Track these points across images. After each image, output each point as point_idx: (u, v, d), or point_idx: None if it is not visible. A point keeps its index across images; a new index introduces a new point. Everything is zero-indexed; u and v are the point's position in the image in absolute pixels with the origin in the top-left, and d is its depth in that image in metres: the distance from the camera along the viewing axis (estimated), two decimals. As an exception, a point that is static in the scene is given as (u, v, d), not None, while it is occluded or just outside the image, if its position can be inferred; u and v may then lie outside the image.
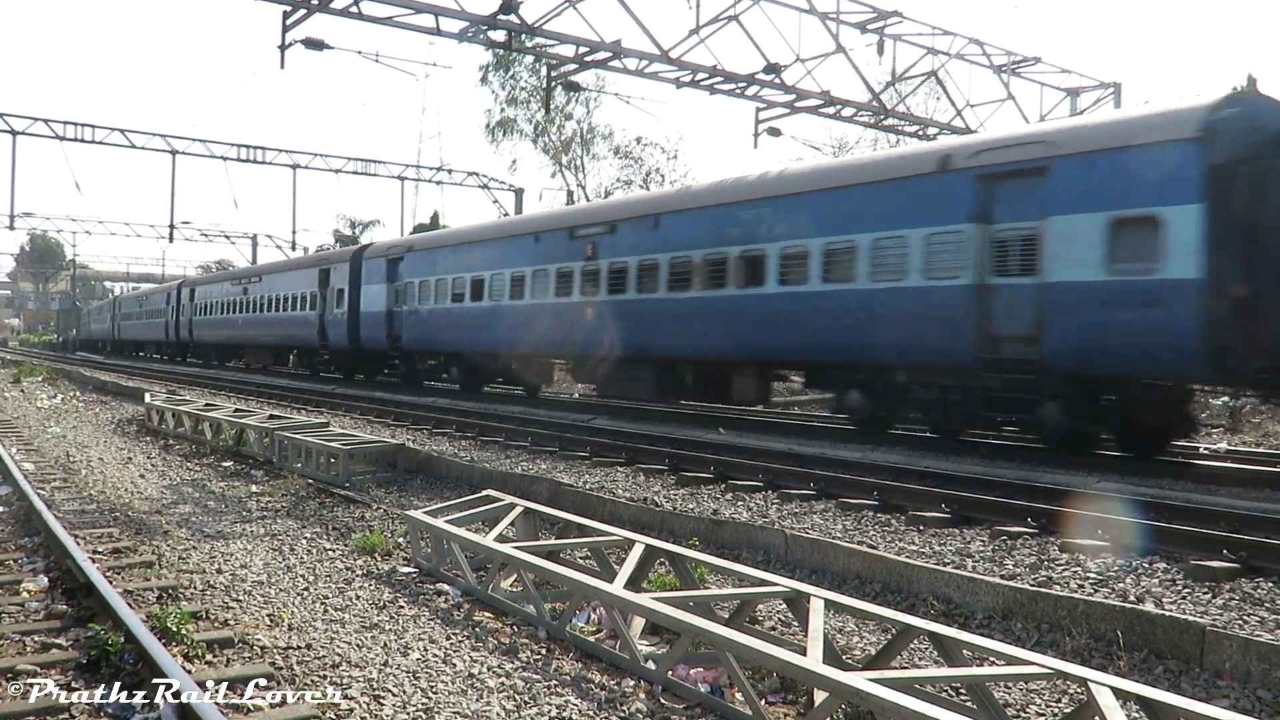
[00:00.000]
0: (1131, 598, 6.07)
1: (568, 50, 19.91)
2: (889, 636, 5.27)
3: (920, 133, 26.52)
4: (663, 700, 4.76)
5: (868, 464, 11.12)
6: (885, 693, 3.93)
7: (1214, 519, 7.96)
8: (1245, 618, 5.65)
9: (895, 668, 4.97)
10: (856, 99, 23.75)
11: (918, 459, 11.55)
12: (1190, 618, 5.37)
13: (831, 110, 23.45)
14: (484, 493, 8.39)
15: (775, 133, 24.92)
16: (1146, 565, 6.75)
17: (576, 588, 5.77)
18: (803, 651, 4.64)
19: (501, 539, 6.78)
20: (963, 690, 4.74)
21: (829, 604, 5.24)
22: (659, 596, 5.51)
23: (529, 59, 38.22)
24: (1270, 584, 6.28)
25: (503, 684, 4.89)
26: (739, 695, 4.66)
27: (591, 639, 5.58)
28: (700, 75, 20.76)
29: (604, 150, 44.78)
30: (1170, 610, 5.73)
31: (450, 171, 44.20)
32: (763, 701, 4.65)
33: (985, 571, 6.69)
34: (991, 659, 4.65)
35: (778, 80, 21.50)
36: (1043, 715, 4.68)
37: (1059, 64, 26.30)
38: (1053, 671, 4.30)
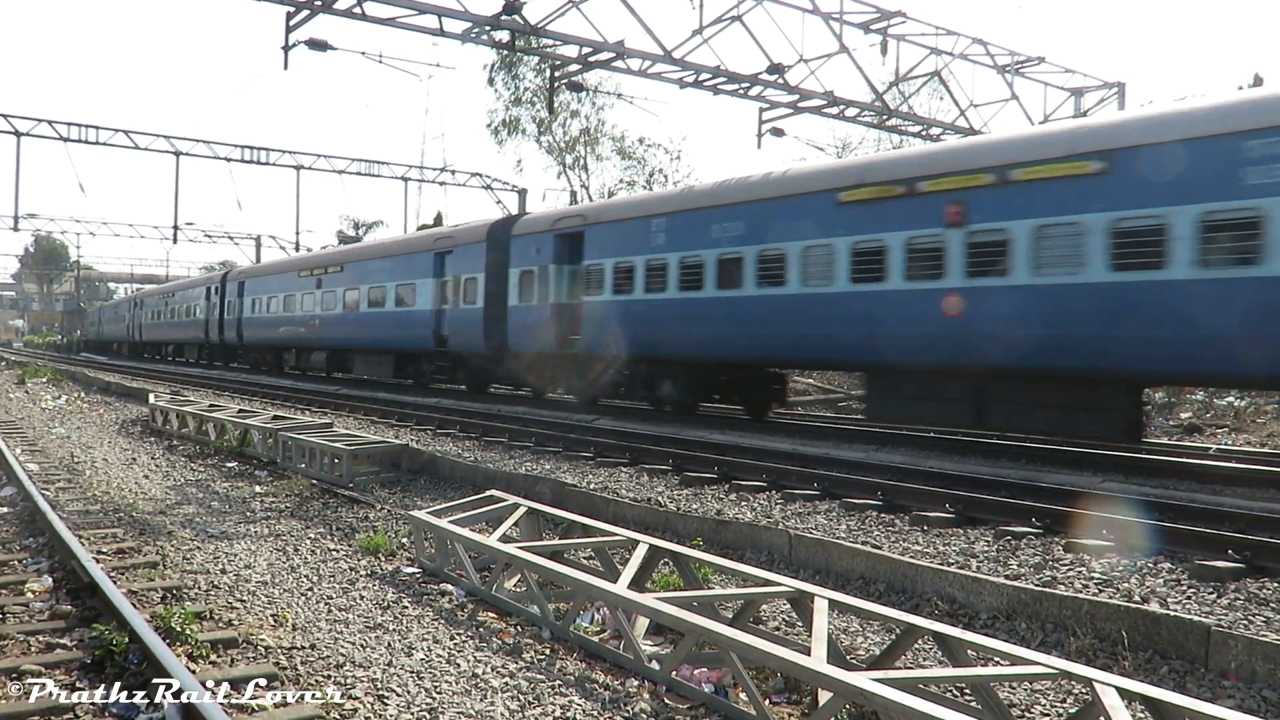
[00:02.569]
0: (1136, 598, 6.06)
1: (571, 51, 19.91)
2: (893, 636, 5.26)
3: (924, 133, 26.48)
4: (667, 700, 4.75)
5: (872, 464, 11.10)
6: (890, 693, 3.93)
7: (1219, 519, 7.95)
8: (1250, 618, 5.64)
9: (899, 668, 4.96)
10: (860, 99, 23.74)
11: (921, 459, 11.54)
12: (1195, 618, 5.35)
13: (835, 111, 23.42)
14: (487, 493, 8.40)
15: (779, 133, 24.92)
16: (1151, 565, 6.74)
17: (580, 588, 5.77)
18: (807, 651, 4.63)
19: (505, 539, 6.78)
20: (967, 690, 4.73)
21: (833, 604, 5.24)
22: (663, 596, 5.51)
23: (534, 59, 38.25)
24: (1276, 584, 6.27)
25: (506, 684, 4.89)
26: (743, 695, 4.66)
27: (595, 639, 5.58)
28: (703, 76, 20.72)
29: (609, 150, 44.78)
30: (1175, 610, 5.71)
31: (454, 172, 44.21)
32: (767, 701, 4.64)
33: (989, 571, 6.68)
34: (996, 659, 4.65)
35: (781, 81, 21.47)
36: (1047, 715, 4.67)
37: (1063, 64, 26.17)
38: (1057, 671, 4.29)
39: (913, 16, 22.47)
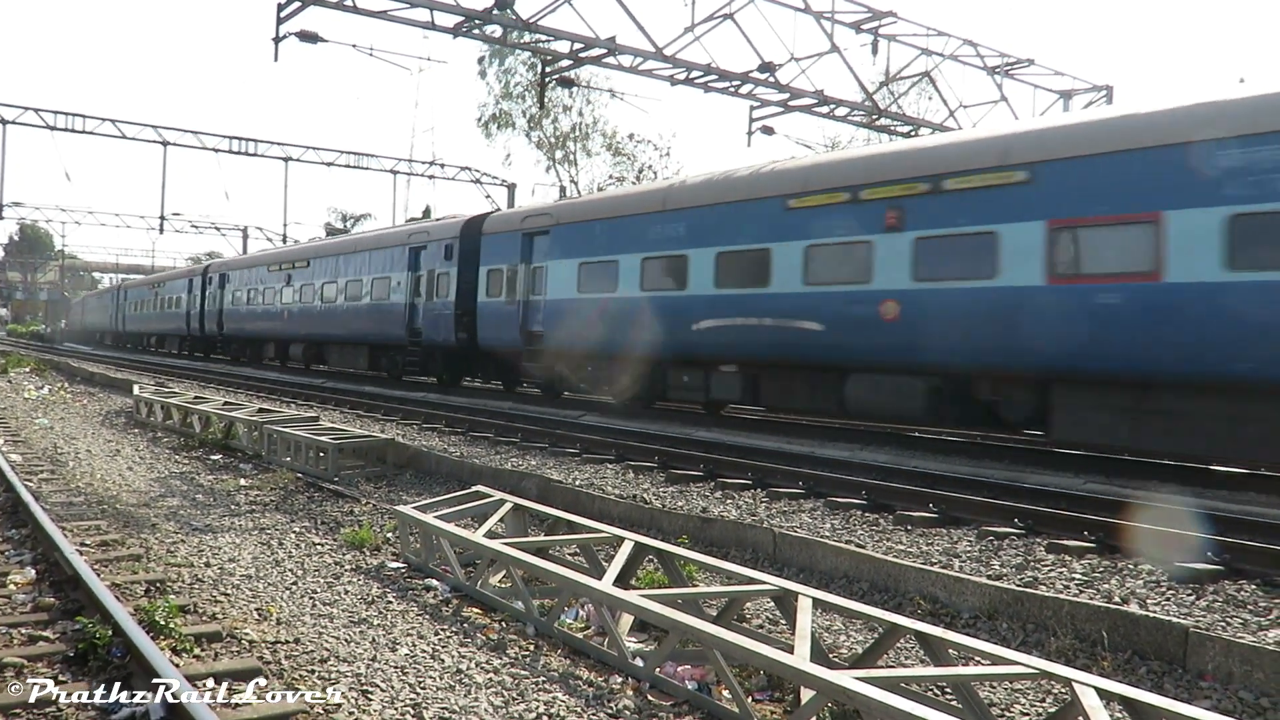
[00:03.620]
0: (1116, 599, 6.11)
1: (563, 46, 19.90)
2: (876, 635, 5.30)
3: (913, 133, 26.58)
4: (650, 698, 4.78)
5: (856, 463, 11.15)
6: (872, 691, 3.96)
7: (1200, 521, 8.01)
8: (1228, 620, 5.70)
9: (882, 666, 5.00)
10: (850, 99, 23.81)
11: (906, 458, 11.59)
12: (1173, 619, 5.41)
13: (825, 110, 23.49)
14: (473, 489, 8.40)
15: (769, 131, 24.99)
16: (1132, 567, 6.80)
17: (565, 584, 5.78)
18: (790, 650, 4.66)
19: (491, 535, 6.79)
20: (948, 689, 4.76)
21: (817, 603, 5.27)
22: (647, 594, 5.53)
23: (525, 53, 38.25)
24: (1253, 586, 6.34)
25: (490, 680, 4.90)
26: (726, 693, 4.68)
27: (580, 636, 5.60)
28: (695, 73, 20.76)
29: (599, 146, 44.80)
30: (1154, 612, 5.77)
31: (443, 166, 44.11)
32: (750, 699, 4.67)
33: (972, 571, 6.72)
34: (977, 658, 4.69)
35: (772, 79, 21.53)
36: (1027, 715, 4.71)
37: (1052, 66, 26.33)
38: (1038, 671, 4.34)
39: (904, 17, 22.58)
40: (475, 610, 6.14)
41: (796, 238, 13.91)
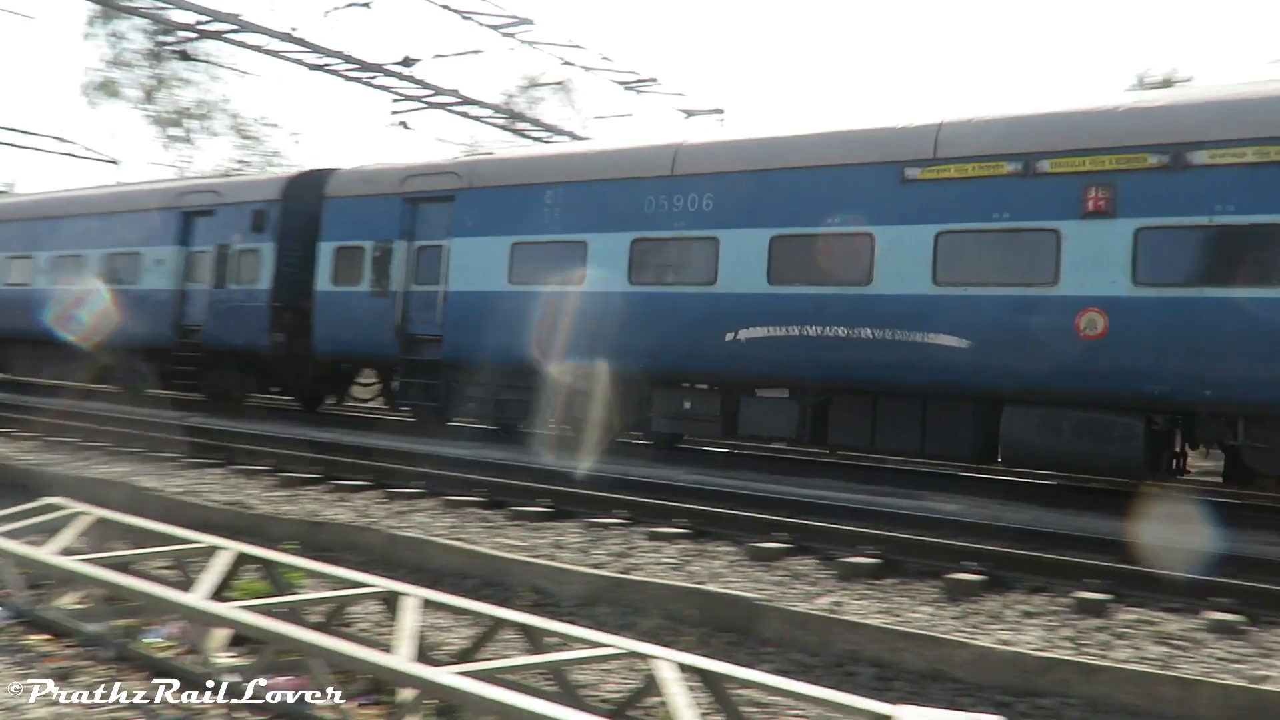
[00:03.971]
0: (701, 578, 6.77)
1: (184, 17, 18.24)
2: (483, 630, 5.44)
3: (549, 139, 27.49)
4: (243, 714, 4.54)
5: (477, 461, 11.33)
6: (470, 685, 4.07)
7: (777, 505, 9.09)
8: (789, 591, 6.54)
9: (485, 660, 5.13)
10: (491, 100, 24.14)
11: (524, 456, 11.97)
12: (743, 594, 6.10)
13: (464, 109, 23.61)
14: (45, 500, 7.44)
15: (405, 126, 24.67)
16: (714, 548, 7.57)
17: (150, 601, 5.33)
18: (393, 651, 4.65)
19: (67, 552, 6.07)
20: (547, 676, 5.01)
21: (427, 602, 5.30)
22: (245, 605, 5.24)
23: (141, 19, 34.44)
24: (814, 561, 7.31)
25: (54, 712, 4.39)
26: (326, 700, 4.57)
27: (167, 655, 5.18)
28: (331, 60, 19.98)
29: (224, 126, 41.44)
30: (731, 588, 6.46)
31: (33, 135, 38.38)
32: (356, 705, 4.60)
33: (575, 562, 7.12)
34: (573, 644, 4.97)
35: (410, 74, 21.27)
36: (617, 692, 5.08)
37: (674, 88, 28.53)
38: (626, 651, 4.69)
39: (543, 26, 23.32)
40: (43, 636, 5.45)
41: (921, 220, 10.56)
